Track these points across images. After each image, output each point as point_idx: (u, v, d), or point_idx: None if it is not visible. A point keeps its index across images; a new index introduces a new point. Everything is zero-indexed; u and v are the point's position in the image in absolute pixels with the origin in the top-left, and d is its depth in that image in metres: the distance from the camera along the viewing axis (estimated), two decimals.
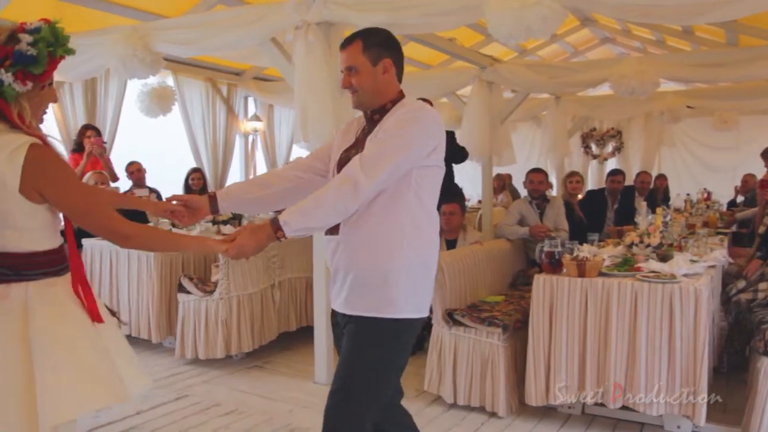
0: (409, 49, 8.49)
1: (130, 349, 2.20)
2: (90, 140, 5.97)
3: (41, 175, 1.86)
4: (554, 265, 3.74)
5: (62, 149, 5.73)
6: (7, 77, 1.84)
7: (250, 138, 8.91)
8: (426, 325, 5.08)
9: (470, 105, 6.43)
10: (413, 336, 2.34)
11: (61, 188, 1.91)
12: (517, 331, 3.97)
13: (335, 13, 4.05)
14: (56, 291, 1.96)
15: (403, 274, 2.19)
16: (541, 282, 3.69)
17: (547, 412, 3.88)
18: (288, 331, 5.26)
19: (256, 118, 8.78)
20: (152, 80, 5.99)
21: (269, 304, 5.02)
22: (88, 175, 5.61)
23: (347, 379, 2.25)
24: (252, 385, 4.42)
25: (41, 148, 1.89)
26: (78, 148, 6.06)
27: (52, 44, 1.90)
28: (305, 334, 5.15)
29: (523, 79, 6.37)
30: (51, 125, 6.25)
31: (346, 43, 2.28)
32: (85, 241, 5.21)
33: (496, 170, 8.70)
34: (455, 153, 5.50)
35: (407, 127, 2.17)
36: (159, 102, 6.40)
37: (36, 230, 1.93)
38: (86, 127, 6.16)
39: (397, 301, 2.19)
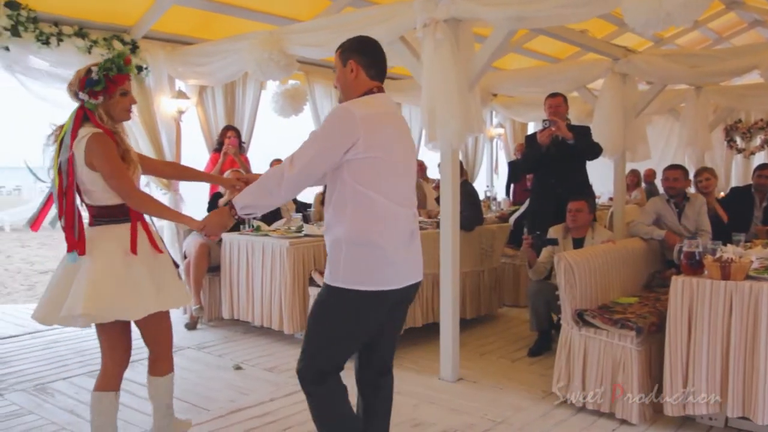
0: (536, 43, 8.42)
1: (167, 279, 2.97)
2: (229, 140, 6.36)
3: (93, 153, 2.77)
4: (694, 267, 3.53)
5: (143, 145, 6.01)
6: (84, 95, 2.84)
7: None
8: (554, 324, 4.98)
9: (602, 98, 6.19)
10: (362, 309, 2.55)
11: (101, 161, 2.78)
12: (652, 335, 3.79)
13: (463, 10, 4.03)
14: (107, 234, 2.86)
15: (341, 248, 2.51)
16: (679, 284, 3.49)
17: (685, 422, 3.68)
18: (414, 327, 5.32)
19: None
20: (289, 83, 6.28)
21: None
22: (226, 173, 5.96)
23: (307, 333, 2.66)
24: None
25: (98, 136, 2.79)
26: (219, 148, 6.46)
27: (109, 69, 2.82)
28: (431, 330, 5.19)
29: (660, 70, 6.04)
30: (194, 126, 6.72)
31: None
32: (224, 236, 5.53)
33: (632, 166, 8.32)
34: (587, 149, 5.31)
35: (320, 129, 2.54)
36: (292, 102, 6.68)
37: (99, 192, 2.84)
38: (227, 128, 6.56)
39: (336, 272, 2.53)
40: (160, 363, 3.14)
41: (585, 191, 5.29)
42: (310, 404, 2.69)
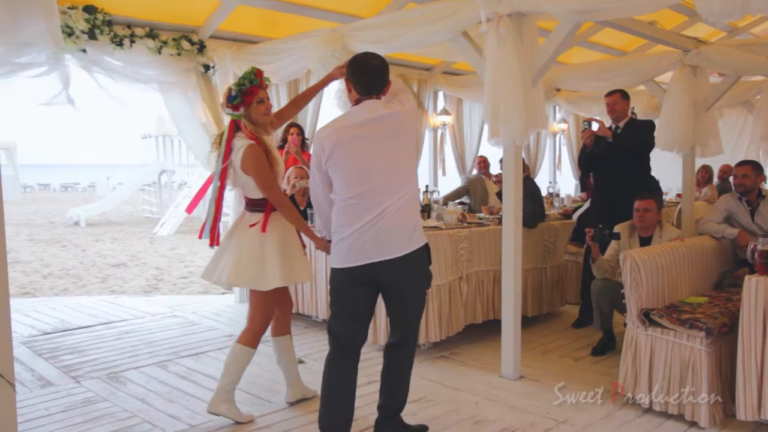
0: (602, 36, 8.22)
1: (292, 255, 3.62)
2: (291, 137, 6.45)
3: (247, 162, 3.47)
4: None
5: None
6: (229, 110, 3.57)
7: (439, 132, 9.06)
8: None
9: (671, 92, 5.98)
10: (339, 282, 3.12)
11: (254, 170, 3.48)
12: (723, 336, 3.67)
13: (527, 3, 3.97)
14: (248, 218, 3.61)
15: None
16: (753, 284, 3.36)
17: (759, 428, 3.55)
18: (474, 323, 5.29)
19: (445, 112, 8.90)
20: None
21: (456, 296, 5.08)
22: (290, 169, 6.06)
23: None
24: (439, 374, 4.52)
25: (252, 147, 3.47)
26: (283, 145, 6.57)
27: (242, 84, 3.50)
28: (491, 327, 5.16)
29: (733, 61, 5.80)
30: None
31: None
32: None
33: (705, 161, 8.02)
34: (631, 146, 5.34)
35: None
36: None
37: (251, 189, 3.58)
38: (290, 125, 6.65)
39: None
40: (280, 327, 3.89)
41: (636, 188, 5.11)
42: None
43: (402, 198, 3.04)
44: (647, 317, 3.81)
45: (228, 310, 6.52)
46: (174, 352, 5.03)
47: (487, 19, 4.06)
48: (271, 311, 3.72)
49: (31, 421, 3.73)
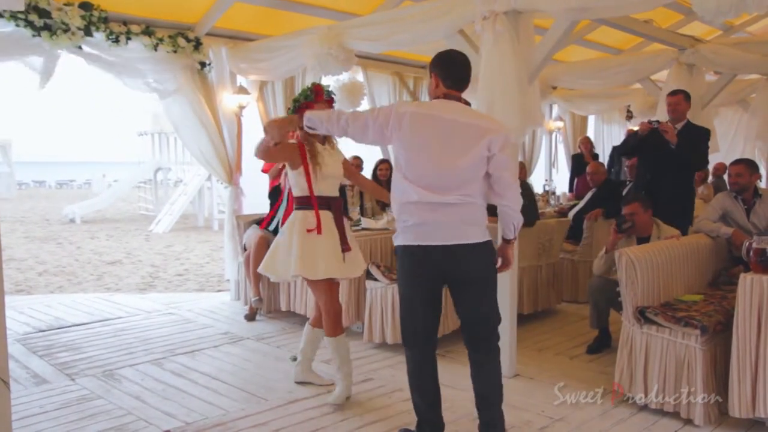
0: (598, 34, 8.23)
1: (333, 251, 3.82)
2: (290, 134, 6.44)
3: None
4: (765, 265, 3.39)
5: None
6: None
7: None
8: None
9: (667, 90, 6.00)
10: (406, 261, 3.11)
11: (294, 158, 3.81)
12: (718, 334, 3.68)
13: (524, 1, 3.96)
14: (299, 216, 3.81)
15: None
16: (748, 282, 3.37)
17: (753, 425, 3.55)
18: None
19: None
20: (344, 76, 6.32)
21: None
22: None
23: None
24: None
25: (288, 143, 3.75)
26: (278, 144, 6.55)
27: (297, 100, 3.90)
28: None
29: (729, 60, 5.82)
30: (255, 121, 6.83)
31: None
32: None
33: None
34: (687, 158, 5.22)
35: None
36: (349, 96, 6.72)
37: (294, 184, 3.87)
38: None
39: None
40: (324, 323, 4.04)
41: (673, 193, 5.20)
42: None
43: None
44: (643, 315, 3.81)
45: (223, 307, 6.50)
46: (169, 350, 5.02)
47: (484, 17, 4.06)
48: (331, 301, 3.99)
49: (26, 418, 3.72)
